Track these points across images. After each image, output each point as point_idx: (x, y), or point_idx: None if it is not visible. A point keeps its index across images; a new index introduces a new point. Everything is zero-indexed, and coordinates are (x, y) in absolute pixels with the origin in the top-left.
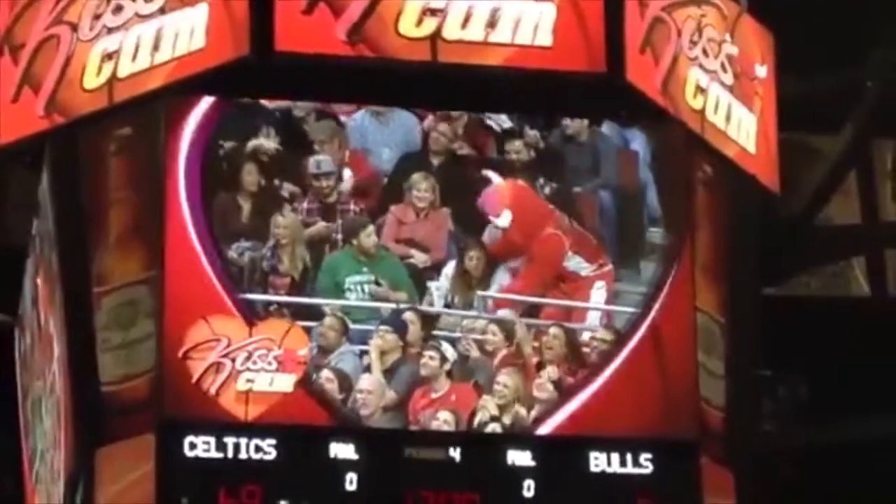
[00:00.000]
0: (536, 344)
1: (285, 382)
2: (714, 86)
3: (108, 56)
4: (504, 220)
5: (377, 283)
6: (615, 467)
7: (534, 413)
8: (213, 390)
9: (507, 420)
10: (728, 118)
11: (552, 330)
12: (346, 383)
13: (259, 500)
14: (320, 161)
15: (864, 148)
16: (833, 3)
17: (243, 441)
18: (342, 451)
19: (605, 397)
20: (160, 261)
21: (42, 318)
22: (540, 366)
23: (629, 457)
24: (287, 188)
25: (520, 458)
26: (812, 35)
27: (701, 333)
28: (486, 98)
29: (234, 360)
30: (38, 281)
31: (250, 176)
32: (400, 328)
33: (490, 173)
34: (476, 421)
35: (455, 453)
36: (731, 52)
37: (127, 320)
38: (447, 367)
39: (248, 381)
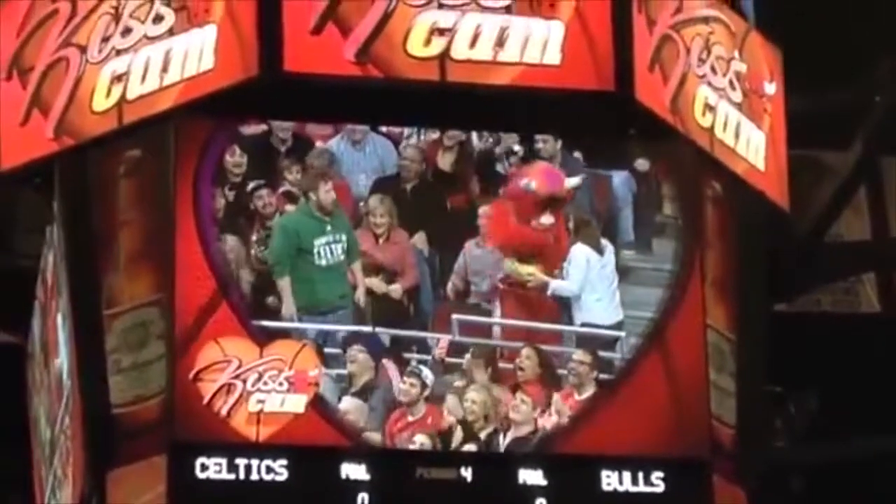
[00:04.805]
0: (510, 365)
1: (296, 403)
2: (723, 103)
3: (118, 78)
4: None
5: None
6: (627, 486)
7: (511, 435)
8: (224, 411)
9: (481, 438)
10: (737, 135)
11: (524, 351)
12: (326, 408)
13: None
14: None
15: (873, 164)
16: (840, 18)
17: (255, 462)
18: (354, 471)
19: (617, 416)
20: (170, 282)
21: (50, 350)
22: (515, 388)
23: (641, 475)
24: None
25: (531, 476)
26: (820, 51)
27: (711, 351)
28: (495, 117)
29: (245, 381)
30: (48, 307)
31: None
32: (373, 348)
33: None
34: (452, 442)
35: (467, 473)
36: (739, 70)
37: (137, 342)
38: (427, 392)
39: (259, 401)
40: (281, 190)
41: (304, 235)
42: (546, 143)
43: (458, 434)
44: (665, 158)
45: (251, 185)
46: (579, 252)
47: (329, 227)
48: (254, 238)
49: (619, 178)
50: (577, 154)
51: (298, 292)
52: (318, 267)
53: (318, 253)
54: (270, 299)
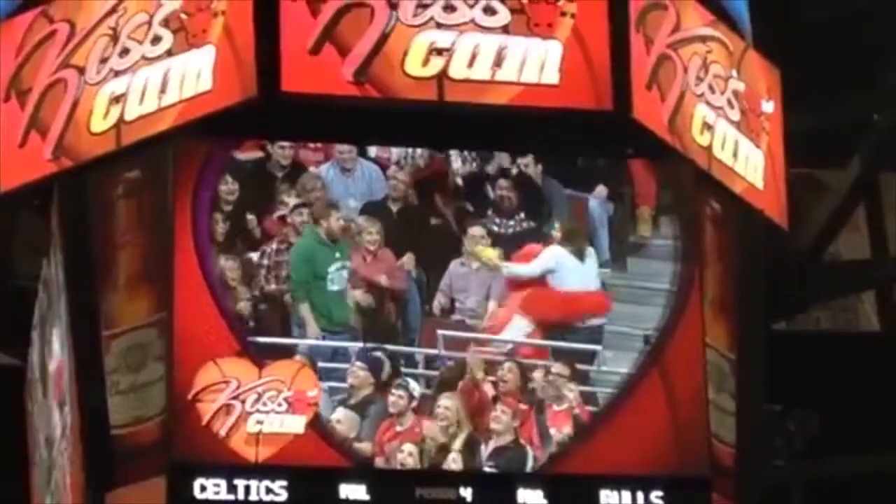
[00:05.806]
0: (493, 378)
1: (296, 424)
2: (721, 122)
3: (116, 99)
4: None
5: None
6: None
7: (492, 444)
8: (223, 432)
9: (457, 446)
10: (735, 154)
11: (506, 364)
12: (325, 428)
13: None
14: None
15: (872, 182)
16: (838, 37)
17: (254, 483)
18: (353, 491)
19: (616, 435)
20: (169, 303)
21: (48, 372)
22: (495, 399)
23: (640, 494)
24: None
25: (531, 496)
26: (818, 69)
27: (711, 370)
28: (493, 136)
29: (243, 402)
30: (47, 329)
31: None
32: (372, 364)
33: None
34: (430, 451)
35: (466, 493)
36: (737, 88)
37: (136, 363)
38: (414, 404)
39: (258, 422)
40: (276, 215)
41: (319, 263)
42: (528, 166)
43: (436, 437)
44: (661, 177)
45: (293, 203)
46: (551, 250)
47: (337, 255)
48: (272, 248)
49: (596, 201)
50: (555, 176)
51: (319, 315)
52: (331, 292)
53: (332, 279)
54: (272, 322)
